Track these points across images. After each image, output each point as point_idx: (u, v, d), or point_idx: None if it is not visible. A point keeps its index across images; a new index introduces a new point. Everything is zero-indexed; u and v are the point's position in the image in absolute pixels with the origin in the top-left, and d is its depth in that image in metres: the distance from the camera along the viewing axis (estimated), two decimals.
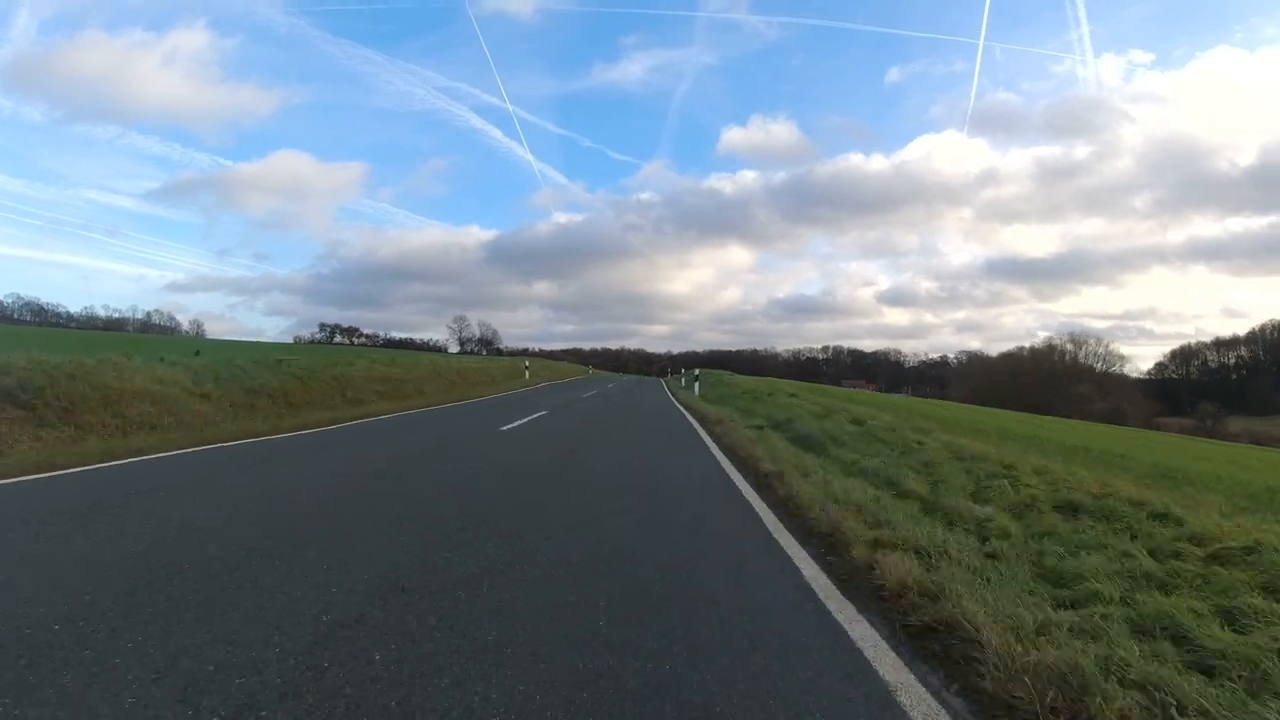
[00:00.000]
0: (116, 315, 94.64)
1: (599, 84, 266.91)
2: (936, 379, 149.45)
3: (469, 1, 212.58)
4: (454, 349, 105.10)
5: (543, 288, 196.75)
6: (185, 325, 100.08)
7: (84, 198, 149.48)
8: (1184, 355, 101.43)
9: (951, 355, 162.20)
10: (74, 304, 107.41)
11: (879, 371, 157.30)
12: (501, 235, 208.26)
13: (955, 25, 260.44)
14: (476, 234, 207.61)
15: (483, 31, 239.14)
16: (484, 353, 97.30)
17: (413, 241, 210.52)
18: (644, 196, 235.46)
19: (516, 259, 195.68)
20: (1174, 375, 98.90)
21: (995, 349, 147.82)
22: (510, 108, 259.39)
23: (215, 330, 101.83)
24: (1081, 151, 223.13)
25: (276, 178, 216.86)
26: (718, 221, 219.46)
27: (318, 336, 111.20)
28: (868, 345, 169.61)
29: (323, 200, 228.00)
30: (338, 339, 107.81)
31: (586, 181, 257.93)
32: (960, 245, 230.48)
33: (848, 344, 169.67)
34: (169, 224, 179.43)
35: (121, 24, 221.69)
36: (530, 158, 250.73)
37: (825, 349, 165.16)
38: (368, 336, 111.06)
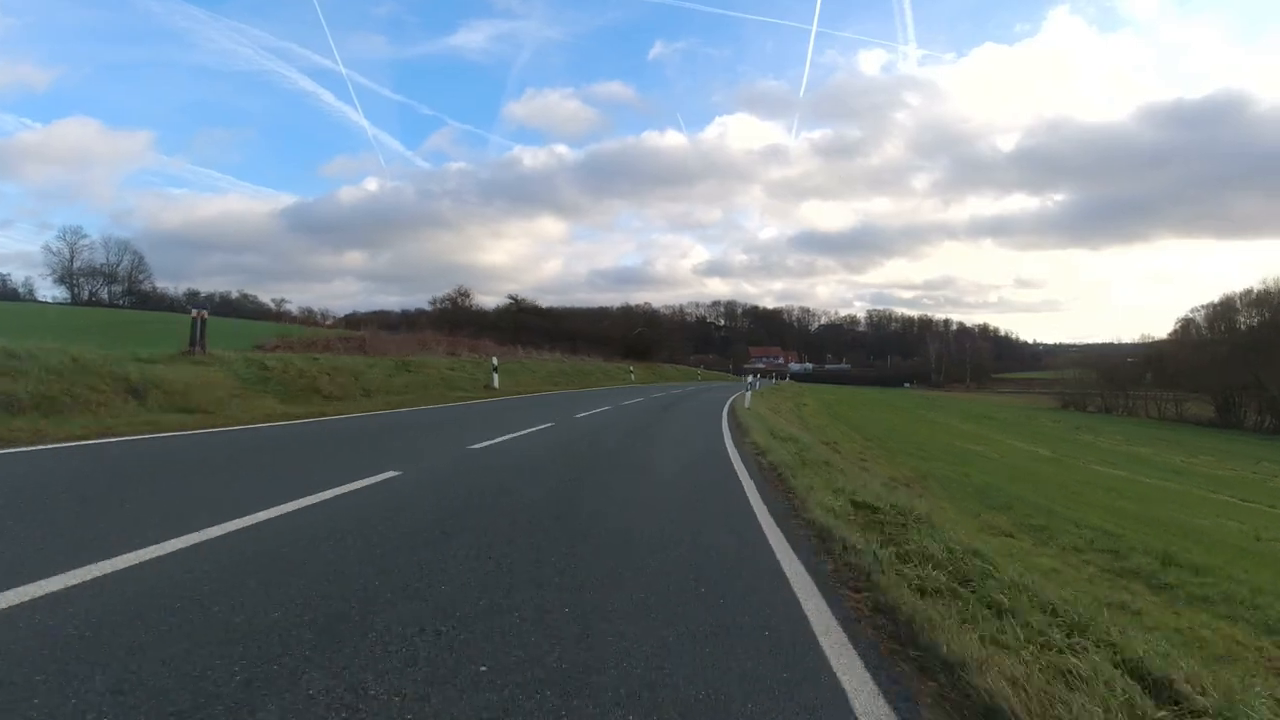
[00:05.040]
0: None
1: (441, 50, 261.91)
2: (853, 343, 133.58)
3: None
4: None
5: (362, 257, 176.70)
6: None
7: None
8: None
9: (861, 315, 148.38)
10: None
11: (786, 337, 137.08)
12: (323, 203, 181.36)
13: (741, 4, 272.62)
14: (298, 202, 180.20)
15: None
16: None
17: (225, 209, 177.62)
18: (464, 166, 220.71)
19: (340, 227, 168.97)
20: None
21: (820, 320, 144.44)
22: (344, 70, 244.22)
23: None
24: (860, 134, 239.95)
25: (72, 143, 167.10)
26: (534, 192, 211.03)
27: None
28: (768, 303, 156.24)
29: (122, 166, 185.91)
30: None
31: (423, 149, 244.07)
32: (761, 220, 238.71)
33: (743, 301, 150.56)
34: None
35: None
36: (365, 123, 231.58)
37: (716, 305, 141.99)
38: None
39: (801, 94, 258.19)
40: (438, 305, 47.06)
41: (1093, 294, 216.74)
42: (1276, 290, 53.78)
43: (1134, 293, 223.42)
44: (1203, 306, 75.31)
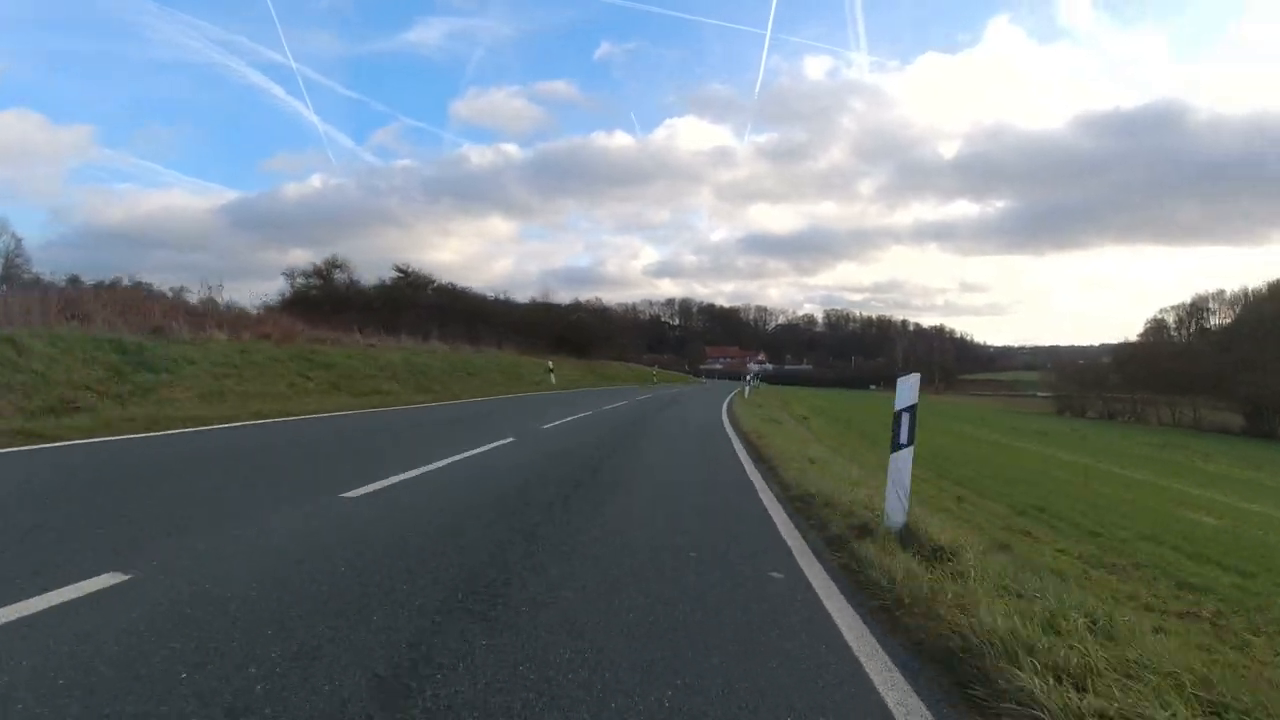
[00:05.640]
0: None
1: (396, 46, 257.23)
2: (811, 344, 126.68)
3: None
4: None
5: (308, 254, 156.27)
6: None
7: None
8: None
9: (819, 314, 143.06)
10: None
11: (743, 337, 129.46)
12: (270, 198, 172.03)
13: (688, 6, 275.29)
14: (245, 197, 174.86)
15: None
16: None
17: (170, 204, 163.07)
18: (417, 163, 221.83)
19: (287, 223, 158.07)
20: None
21: (777, 320, 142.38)
22: (295, 65, 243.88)
23: None
24: (807, 138, 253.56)
25: (14, 136, 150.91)
26: (483, 190, 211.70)
27: None
28: (723, 301, 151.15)
29: (66, 160, 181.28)
30: None
31: (375, 146, 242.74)
32: (711, 221, 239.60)
33: (697, 298, 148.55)
34: None
35: None
36: (315, 119, 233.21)
37: (670, 303, 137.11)
38: None
39: (755, 97, 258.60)
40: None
41: (1035, 298, 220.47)
42: None
43: (1076, 297, 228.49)
44: (1172, 308, 71.46)
